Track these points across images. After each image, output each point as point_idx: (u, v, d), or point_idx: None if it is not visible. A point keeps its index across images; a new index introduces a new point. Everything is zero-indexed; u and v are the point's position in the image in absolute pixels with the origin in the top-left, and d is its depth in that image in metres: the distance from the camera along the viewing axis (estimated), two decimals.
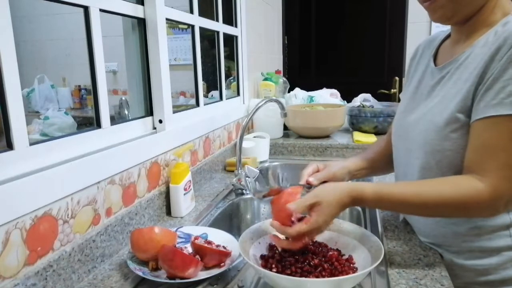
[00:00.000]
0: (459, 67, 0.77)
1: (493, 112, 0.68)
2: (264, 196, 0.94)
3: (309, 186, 0.88)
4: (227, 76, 1.81)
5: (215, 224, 1.11)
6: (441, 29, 0.91)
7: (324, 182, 0.89)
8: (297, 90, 2.24)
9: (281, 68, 2.79)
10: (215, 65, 1.72)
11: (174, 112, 1.24)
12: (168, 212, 1.13)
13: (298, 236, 0.72)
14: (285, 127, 2.04)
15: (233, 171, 1.51)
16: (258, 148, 1.69)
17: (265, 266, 0.74)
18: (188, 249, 0.87)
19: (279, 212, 0.76)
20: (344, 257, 0.77)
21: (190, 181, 1.15)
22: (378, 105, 2.18)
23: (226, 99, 1.78)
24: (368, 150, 1.06)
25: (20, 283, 0.65)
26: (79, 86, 3.00)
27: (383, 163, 1.02)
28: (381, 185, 0.77)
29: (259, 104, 1.34)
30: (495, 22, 0.75)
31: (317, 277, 0.70)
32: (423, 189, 0.74)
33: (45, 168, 0.74)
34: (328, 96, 2.23)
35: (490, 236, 0.77)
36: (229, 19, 1.83)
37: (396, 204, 0.77)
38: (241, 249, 0.74)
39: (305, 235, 0.72)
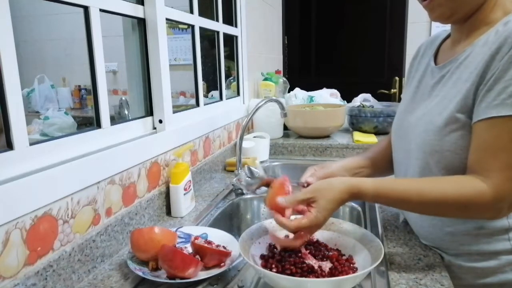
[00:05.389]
0: (459, 66, 0.77)
1: (495, 113, 0.67)
2: (257, 188, 0.93)
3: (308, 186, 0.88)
4: (227, 76, 1.81)
5: (215, 224, 1.10)
6: (442, 28, 0.91)
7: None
8: (297, 90, 2.24)
9: (281, 68, 2.79)
10: (215, 65, 1.72)
11: (174, 112, 1.24)
12: (168, 212, 1.13)
13: (297, 231, 0.72)
14: (285, 127, 2.04)
15: (233, 171, 1.51)
16: (258, 148, 1.69)
17: (265, 266, 0.74)
18: (188, 249, 0.87)
19: (273, 207, 0.77)
20: (344, 257, 0.77)
21: (190, 181, 1.15)
22: (378, 105, 2.18)
23: (226, 99, 1.78)
24: (369, 150, 1.06)
25: (20, 283, 0.65)
26: (79, 86, 3.00)
27: (384, 163, 1.01)
28: (381, 180, 0.76)
29: (259, 104, 1.34)
30: (496, 21, 0.74)
31: (317, 277, 0.70)
32: (425, 187, 0.73)
33: (45, 168, 0.74)
34: (328, 96, 2.23)
35: (488, 240, 0.77)
36: (229, 19, 1.83)
37: (396, 201, 0.76)
38: (241, 249, 0.74)
39: (304, 230, 0.72)
